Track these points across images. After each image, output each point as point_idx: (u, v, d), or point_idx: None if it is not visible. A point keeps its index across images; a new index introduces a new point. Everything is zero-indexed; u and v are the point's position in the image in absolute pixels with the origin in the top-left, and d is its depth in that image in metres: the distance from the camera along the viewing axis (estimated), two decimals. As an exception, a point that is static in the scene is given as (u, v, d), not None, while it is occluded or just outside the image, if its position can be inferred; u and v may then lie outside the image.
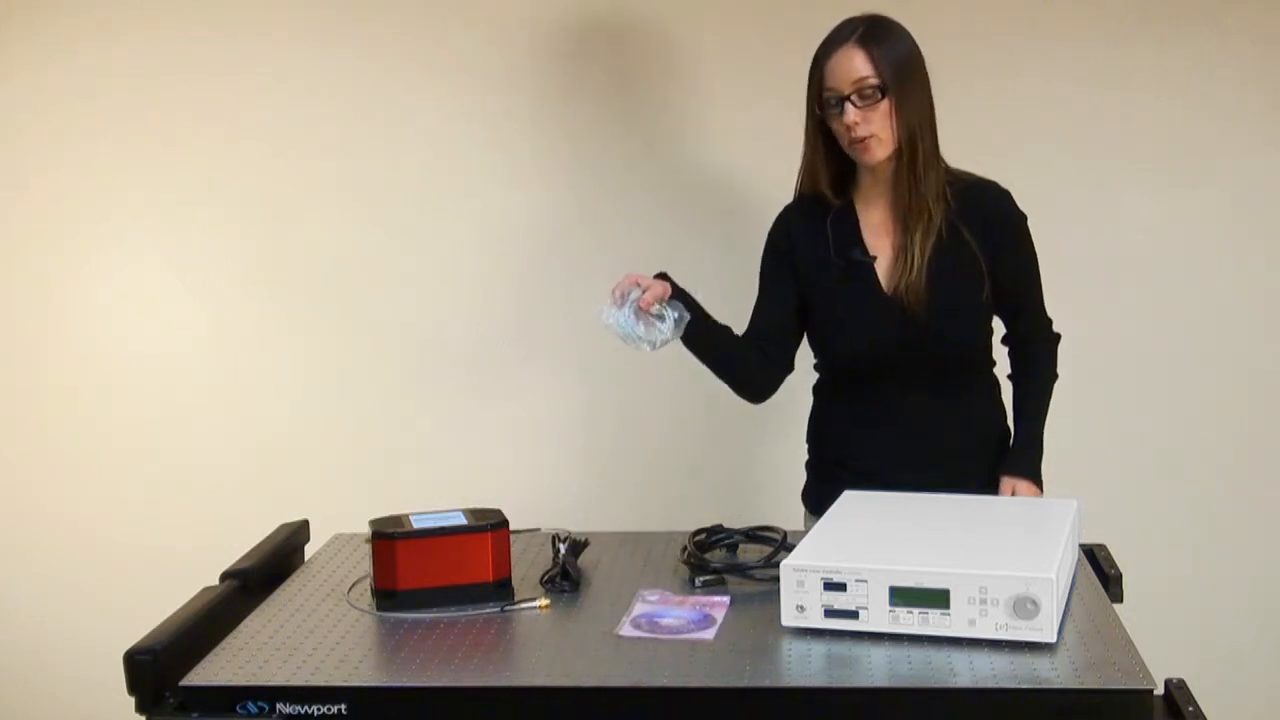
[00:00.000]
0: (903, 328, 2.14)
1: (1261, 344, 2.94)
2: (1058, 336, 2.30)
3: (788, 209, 2.29)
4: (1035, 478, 2.21)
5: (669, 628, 1.73)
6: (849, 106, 2.08)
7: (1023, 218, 2.21)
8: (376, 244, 3.01)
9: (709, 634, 1.71)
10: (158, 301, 3.05)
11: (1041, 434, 2.24)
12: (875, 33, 2.10)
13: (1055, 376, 2.29)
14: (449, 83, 2.96)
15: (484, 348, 3.03)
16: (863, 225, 2.21)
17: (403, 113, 2.98)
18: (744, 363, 2.25)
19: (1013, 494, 2.18)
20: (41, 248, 3.04)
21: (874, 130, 2.09)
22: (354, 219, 3.01)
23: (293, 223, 3.01)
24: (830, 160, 2.19)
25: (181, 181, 3.00)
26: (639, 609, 1.81)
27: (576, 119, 2.96)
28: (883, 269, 2.18)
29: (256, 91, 2.97)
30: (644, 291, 2.05)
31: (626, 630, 1.73)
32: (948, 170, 2.18)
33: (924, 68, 2.15)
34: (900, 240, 2.16)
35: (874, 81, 2.07)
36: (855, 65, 2.07)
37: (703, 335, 2.17)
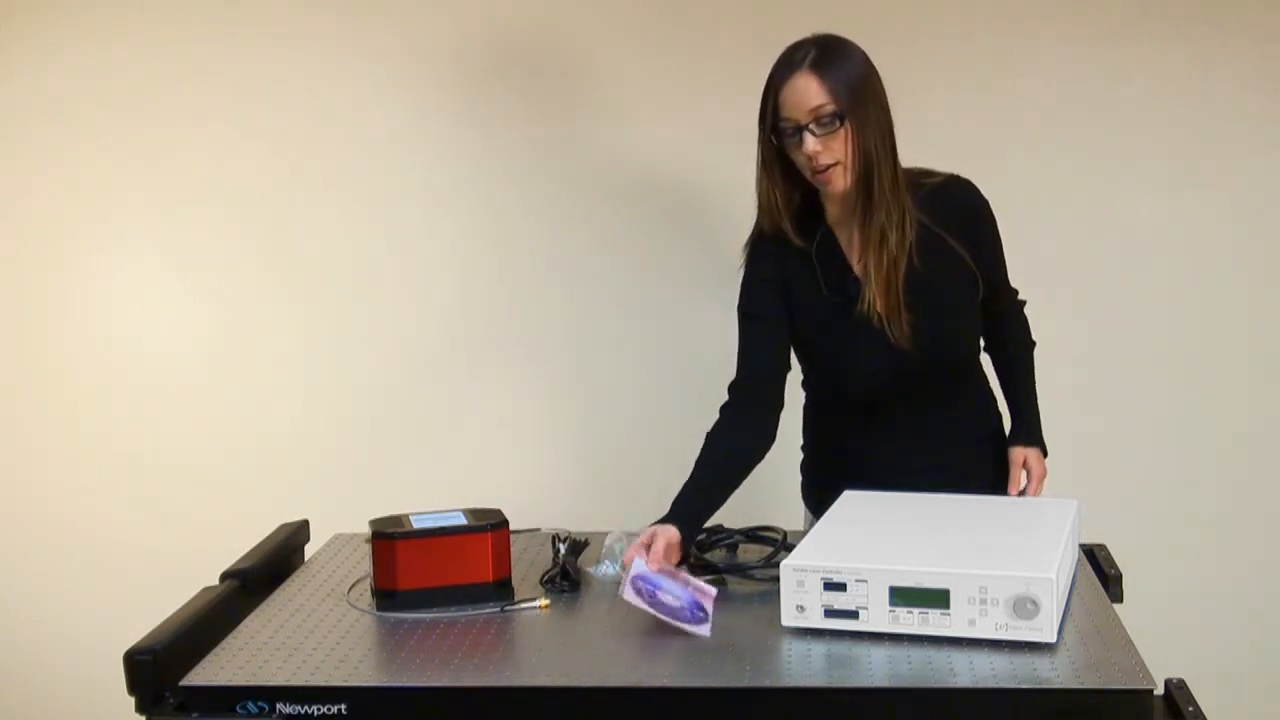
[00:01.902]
0: (907, 352, 2.08)
1: (1262, 344, 2.94)
2: (1024, 302, 2.29)
3: (763, 238, 2.19)
4: (1042, 445, 2.24)
5: (666, 607, 1.72)
6: (808, 136, 2.00)
7: (988, 204, 2.15)
8: (376, 244, 3.01)
9: (704, 629, 1.70)
10: (157, 301, 3.05)
11: (1037, 402, 2.26)
12: (827, 56, 2.00)
13: (1034, 344, 2.30)
14: (448, 83, 2.96)
15: (484, 348, 3.03)
16: (846, 251, 2.14)
17: (402, 112, 2.98)
18: (742, 476, 2.14)
19: (1024, 463, 2.19)
20: (42, 248, 3.04)
21: (836, 158, 2.01)
22: (354, 219, 3.01)
23: (292, 223, 3.01)
24: (790, 190, 2.11)
25: (181, 181, 3.00)
26: (638, 568, 1.78)
27: (576, 120, 2.96)
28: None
29: (256, 91, 2.97)
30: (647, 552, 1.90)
31: (628, 593, 1.72)
32: (913, 173, 2.11)
33: (879, 84, 2.05)
34: (879, 269, 2.07)
35: (831, 108, 1.99)
36: (810, 93, 1.99)
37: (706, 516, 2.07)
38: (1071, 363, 2.89)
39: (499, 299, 3.02)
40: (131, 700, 1.60)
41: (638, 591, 1.73)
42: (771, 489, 2.88)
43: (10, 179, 3.02)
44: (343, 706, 1.56)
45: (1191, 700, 1.52)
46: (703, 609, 1.75)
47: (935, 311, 2.09)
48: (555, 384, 3.04)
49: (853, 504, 1.98)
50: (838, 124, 1.99)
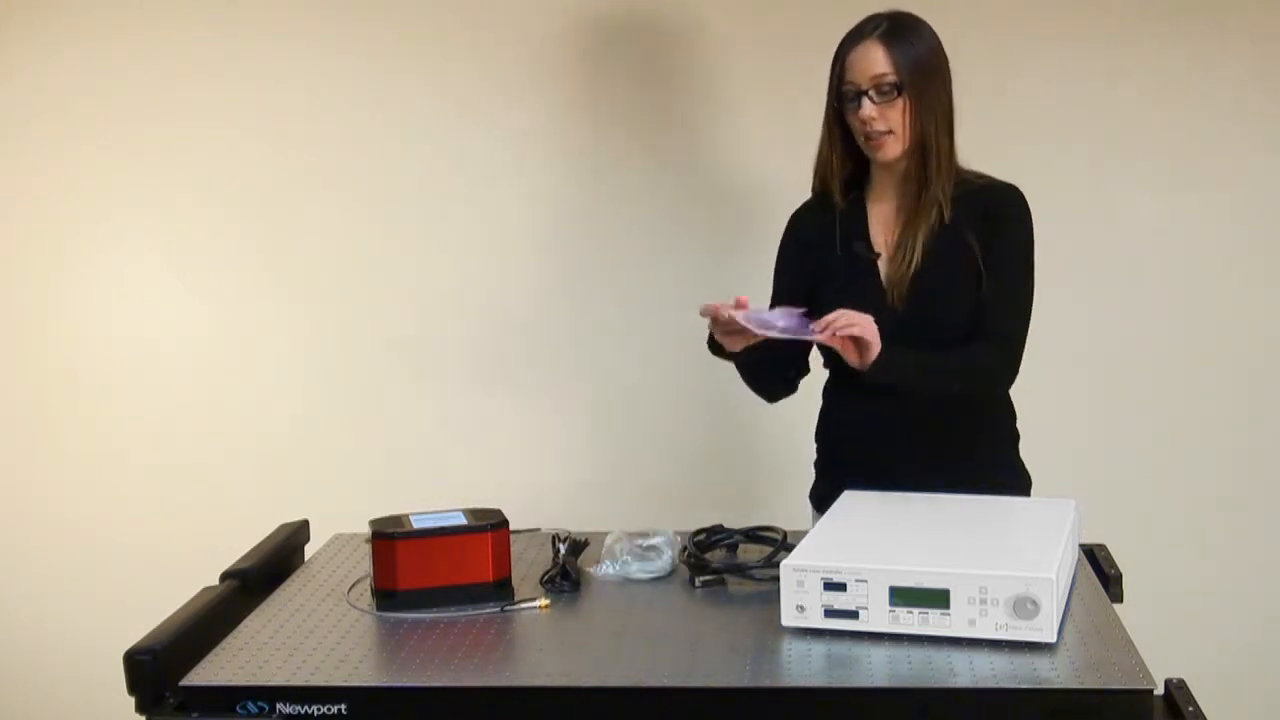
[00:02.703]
0: (895, 324, 2.09)
1: (1261, 344, 2.94)
2: (1009, 370, 2.14)
3: (800, 209, 2.31)
4: (884, 356, 1.97)
5: (785, 328, 1.93)
6: (865, 101, 2.09)
7: (1021, 220, 2.17)
8: (377, 244, 3.01)
9: (814, 336, 1.94)
10: (157, 301, 3.05)
11: (920, 366, 2.06)
12: (898, 30, 2.11)
13: (969, 377, 2.12)
14: (451, 82, 2.96)
15: (484, 348, 3.03)
16: (871, 221, 2.22)
17: (404, 112, 2.98)
18: (771, 368, 2.25)
19: (855, 323, 1.95)
20: (42, 248, 3.04)
21: (890, 126, 2.10)
22: (355, 219, 3.01)
23: (293, 222, 3.01)
24: (845, 156, 2.20)
25: (181, 181, 3.00)
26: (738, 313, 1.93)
27: (581, 120, 2.96)
28: (885, 265, 2.19)
29: (257, 91, 2.97)
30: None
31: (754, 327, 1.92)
32: (963, 172, 2.19)
33: (946, 69, 2.14)
34: (900, 238, 2.16)
35: (892, 79, 2.08)
36: (875, 61, 2.09)
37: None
38: (1071, 362, 2.89)
39: (499, 299, 3.02)
40: (131, 700, 1.60)
41: (747, 322, 1.92)
42: (776, 488, 2.90)
43: (11, 179, 3.02)
44: (343, 706, 1.55)
45: (1191, 700, 1.52)
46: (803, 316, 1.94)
47: (930, 295, 2.13)
48: (555, 384, 3.04)
49: (853, 504, 1.98)
50: (896, 94, 2.08)
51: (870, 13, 2.14)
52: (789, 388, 2.33)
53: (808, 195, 2.29)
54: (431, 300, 3.02)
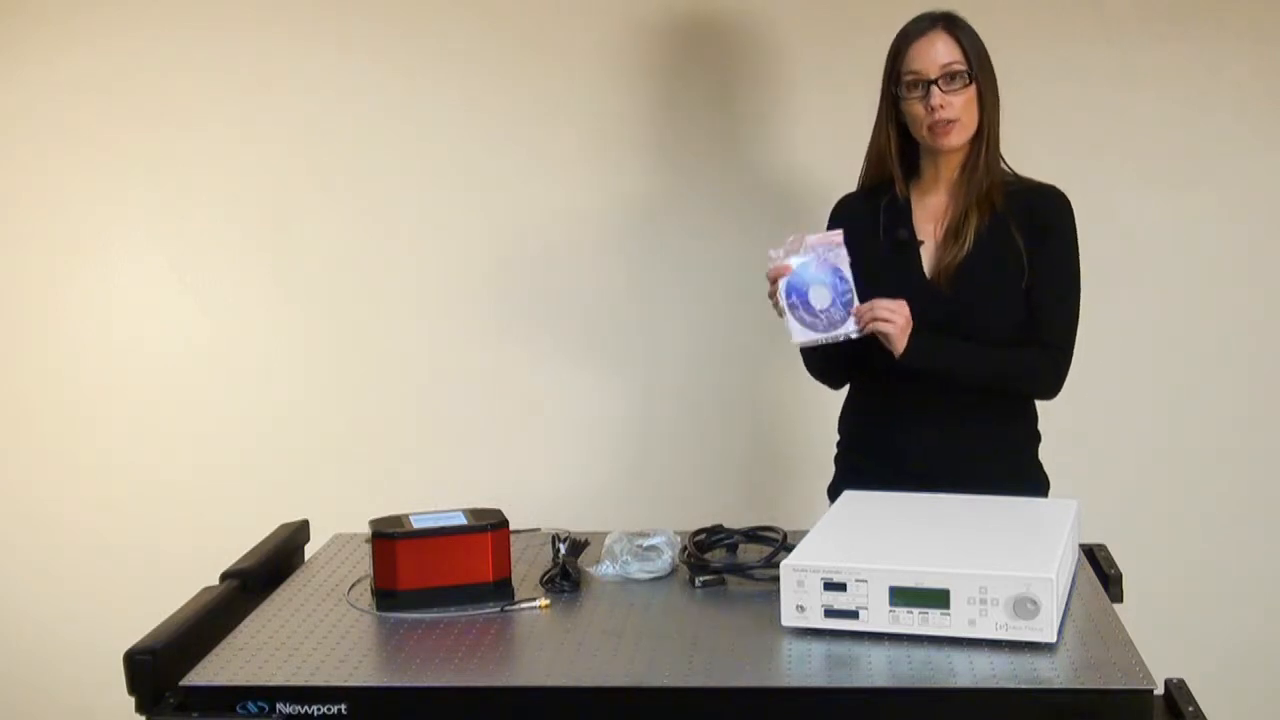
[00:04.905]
0: (938, 310, 2.14)
1: (1261, 344, 2.94)
2: (1057, 380, 2.18)
3: (844, 198, 2.32)
4: (915, 342, 2.10)
5: (813, 317, 2.04)
6: (935, 90, 2.12)
7: (1069, 226, 2.20)
8: (377, 245, 3.01)
9: (850, 326, 2.08)
10: (158, 302, 3.05)
11: (959, 355, 2.14)
12: (959, 23, 2.18)
13: (1015, 378, 2.18)
14: (452, 81, 2.96)
15: (483, 348, 3.03)
16: (915, 212, 2.24)
17: (405, 112, 2.97)
18: (843, 359, 2.26)
19: (889, 310, 2.10)
20: (43, 248, 3.03)
21: (957, 114, 2.13)
22: (355, 219, 3.01)
23: (295, 223, 3.01)
24: (899, 149, 2.23)
25: (182, 182, 3.00)
26: (790, 273, 2.06)
27: (581, 117, 2.96)
28: (928, 253, 2.21)
29: (259, 91, 2.97)
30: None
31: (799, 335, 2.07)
32: (1016, 175, 2.23)
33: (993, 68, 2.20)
34: (952, 224, 2.18)
35: (962, 66, 2.13)
36: (944, 50, 2.14)
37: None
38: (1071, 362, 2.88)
39: (497, 300, 3.02)
40: (131, 700, 1.60)
41: (792, 306, 2.05)
42: (775, 488, 2.89)
43: (11, 179, 3.02)
44: (343, 706, 1.56)
45: (1191, 700, 1.52)
46: (846, 297, 2.05)
47: (976, 283, 2.16)
48: (554, 385, 3.04)
49: (853, 504, 1.98)
50: (967, 81, 2.13)
51: (907, 10, 2.18)
52: (849, 378, 2.34)
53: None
54: (432, 301, 3.02)
